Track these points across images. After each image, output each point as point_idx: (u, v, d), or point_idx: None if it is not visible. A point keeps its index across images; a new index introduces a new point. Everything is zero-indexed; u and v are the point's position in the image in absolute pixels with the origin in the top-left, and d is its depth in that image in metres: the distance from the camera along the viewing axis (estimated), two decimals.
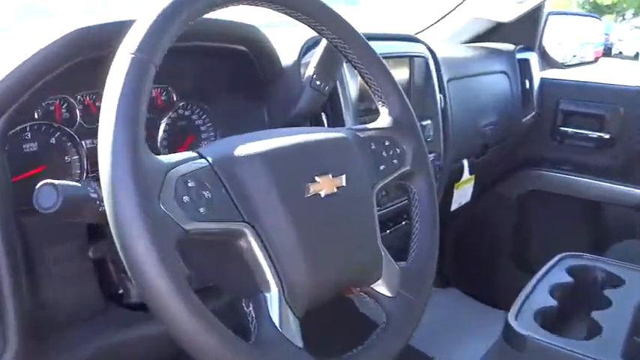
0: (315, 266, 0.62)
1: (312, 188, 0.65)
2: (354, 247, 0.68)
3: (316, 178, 0.65)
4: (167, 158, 0.57)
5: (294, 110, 0.93)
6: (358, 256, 0.68)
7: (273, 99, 0.96)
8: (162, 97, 0.95)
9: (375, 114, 0.86)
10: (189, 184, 0.56)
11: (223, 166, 0.60)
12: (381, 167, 0.75)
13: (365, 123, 0.84)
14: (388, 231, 1.13)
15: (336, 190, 0.66)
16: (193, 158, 0.60)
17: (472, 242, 1.84)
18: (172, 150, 0.95)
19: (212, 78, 0.94)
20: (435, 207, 0.79)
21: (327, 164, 0.67)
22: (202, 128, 1.01)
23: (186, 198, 0.56)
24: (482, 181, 1.54)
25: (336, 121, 1.01)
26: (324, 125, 1.00)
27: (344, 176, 0.68)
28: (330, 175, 0.66)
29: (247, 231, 0.59)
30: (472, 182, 1.43)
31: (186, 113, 0.98)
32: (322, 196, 0.65)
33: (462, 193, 1.53)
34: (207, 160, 0.60)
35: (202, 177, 0.58)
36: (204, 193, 0.57)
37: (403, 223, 1.25)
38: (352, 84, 1.05)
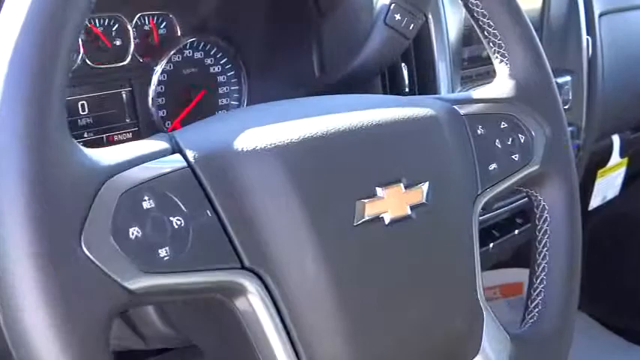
0: (365, 348, 0.52)
1: (369, 209, 0.53)
2: (438, 308, 0.58)
3: (377, 191, 0.54)
4: (107, 154, 0.46)
5: (358, 59, 0.83)
6: (444, 322, 0.58)
7: (327, 40, 0.89)
8: (160, 31, 0.88)
9: (484, 76, 0.80)
10: (145, 204, 0.45)
11: (214, 170, 0.49)
12: (492, 166, 0.64)
13: (468, 87, 0.74)
14: (491, 244, 1.04)
15: (409, 211, 0.55)
16: (159, 153, 0.48)
17: (615, 253, 1.73)
18: (171, 116, 0.93)
19: (239, 4, 0.90)
20: (578, 234, 0.69)
21: (397, 165, 0.56)
22: (221, 79, 0.94)
23: (135, 231, 0.44)
24: (638, 167, 1.42)
25: (424, 83, 0.94)
26: (402, 87, 0.94)
27: (425, 186, 0.57)
28: (402, 185, 0.55)
29: (249, 284, 0.49)
30: (623, 168, 1.35)
31: (197, 56, 0.91)
32: (386, 222, 0.53)
33: (608, 184, 1.39)
34: (185, 157, 0.48)
35: (171, 189, 0.47)
36: (171, 219, 0.46)
37: (516, 232, 1.12)
38: (453, 20, 0.97)
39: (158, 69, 0.88)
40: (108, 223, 0.43)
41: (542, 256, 0.69)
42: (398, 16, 0.80)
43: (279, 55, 0.92)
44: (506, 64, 0.68)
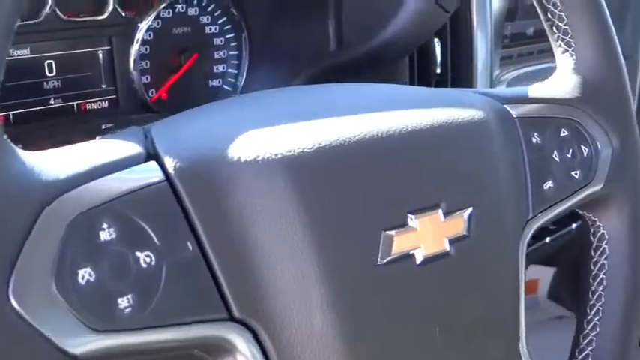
0: None
1: (398, 243, 0.46)
2: None
3: (409, 220, 0.46)
4: (52, 162, 0.38)
5: (385, 33, 0.76)
6: None
7: (348, 5, 0.81)
8: None
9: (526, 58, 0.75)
10: (104, 234, 0.37)
11: (200, 185, 0.41)
12: (547, 185, 0.57)
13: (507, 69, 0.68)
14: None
15: (448, 246, 0.48)
16: (128, 160, 0.41)
17: None
18: (156, 83, 0.86)
19: None
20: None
21: (435, 185, 0.49)
22: (217, 42, 0.88)
23: (86, 273, 0.36)
24: None
25: (458, 62, 0.87)
26: (434, 66, 0.86)
27: (468, 212, 0.50)
28: (441, 212, 0.48)
29: (239, 340, 0.42)
30: None
31: (191, 12, 0.86)
32: (418, 260, 0.47)
33: None
34: (163, 166, 0.41)
35: (140, 213, 0.39)
36: (137, 255, 0.38)
37: (547, 240, 1.04)
38: None
39: (143, 26, 0.82)
40: (48, 264, 0.35)
41: (596, 296, 0.62)
42: None
43: (288, 18, 0.87)
44: (571, 55, 0.61)
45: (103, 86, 0.82)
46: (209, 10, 0.88)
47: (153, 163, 0.41)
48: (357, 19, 0.82)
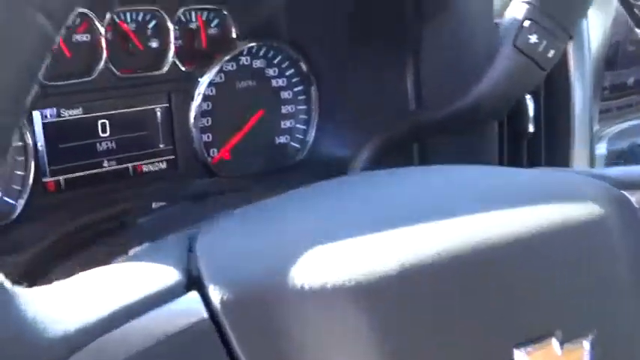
0: None
1: None
2: None
3: (516, 356, 0.38)
4: (62, 306, 0.31)
5: (472, 94, 0.68)
6: None
7: (428, 61, 0.76)
8: (209, 31, 0.79)
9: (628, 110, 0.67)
10: None
11: (251, 323, 0.34)
12: None
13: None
14: None
15: None
16: (163, 295, 0.34)
17: None
18: (218, 142, 0.81)
19: (312, 3, 0.81)
20: None
21: (546, 309, 0.40)
22: (285, 96, 0.85)
23: None
24: None
25: (553, 119, 0.79)
26: (525, 126, 0.78)
27: (588, 342, 0.40)
28: (556, 342, 0.39)
29: None
30: None
31: (257, 64, 0.83)
32: None
33: None
34: (206, 297, 0.34)
35: None
36: None
37: None
38: (597, 36, 0.85)
39: (204, 80, 0.78)
40: None
41: None
42: (534, 38, 0.66)
43: (361, 71, 0.81)
44: None
45: (161, 146, 0.77)
46: (276, 62, 0.83)
47: (194, 295, 0.34)
48: (439, 76, 0.76)
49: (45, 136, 0.70)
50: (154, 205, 0.70)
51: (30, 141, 0.68)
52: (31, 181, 0.68)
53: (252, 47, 0.81)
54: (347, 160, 0.71)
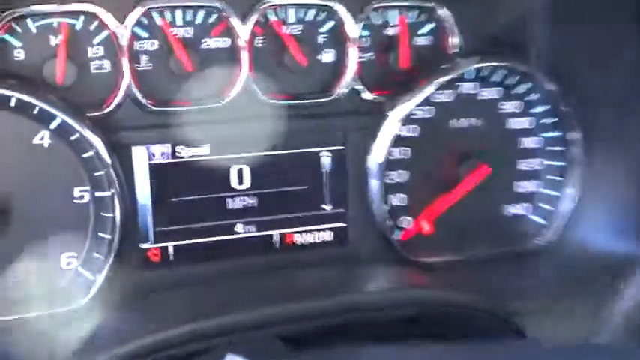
0: None
1: None
2: None
3: None
4: None
5: None
6: None
7: None
8: (418, 40, 0.67)
9: None
10: None
11: None
12: None
13: None
14: None
15: None
16: None
17: None
18: (411, 208, 0.66)
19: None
20: None
21: None
22: (528, 144, 0.69)
23: None
24: None
25: None
26: None
27: None
28: None
29: None
30: None
31: (485, 95, 0.67)
32: None
33: None
34: None
35: None
36: None
37: None
38: None
39: (399, 114, 0.62)
40: None
41: None
42: None
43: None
44: None
45: (326, 208, 0.59)
46: (519, 92, 0.62)
47: None
48: None
49: (151, 185, 0.54)
50: None
51: (120, 189, 0.52)
52: (116, 245, 0.54)
53: (482, 69, 0.61)
54: (624, 257, 0.55)
